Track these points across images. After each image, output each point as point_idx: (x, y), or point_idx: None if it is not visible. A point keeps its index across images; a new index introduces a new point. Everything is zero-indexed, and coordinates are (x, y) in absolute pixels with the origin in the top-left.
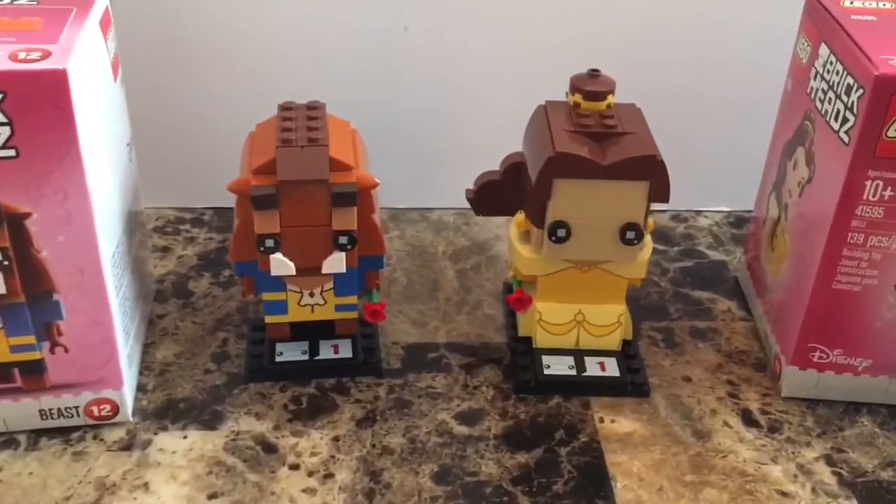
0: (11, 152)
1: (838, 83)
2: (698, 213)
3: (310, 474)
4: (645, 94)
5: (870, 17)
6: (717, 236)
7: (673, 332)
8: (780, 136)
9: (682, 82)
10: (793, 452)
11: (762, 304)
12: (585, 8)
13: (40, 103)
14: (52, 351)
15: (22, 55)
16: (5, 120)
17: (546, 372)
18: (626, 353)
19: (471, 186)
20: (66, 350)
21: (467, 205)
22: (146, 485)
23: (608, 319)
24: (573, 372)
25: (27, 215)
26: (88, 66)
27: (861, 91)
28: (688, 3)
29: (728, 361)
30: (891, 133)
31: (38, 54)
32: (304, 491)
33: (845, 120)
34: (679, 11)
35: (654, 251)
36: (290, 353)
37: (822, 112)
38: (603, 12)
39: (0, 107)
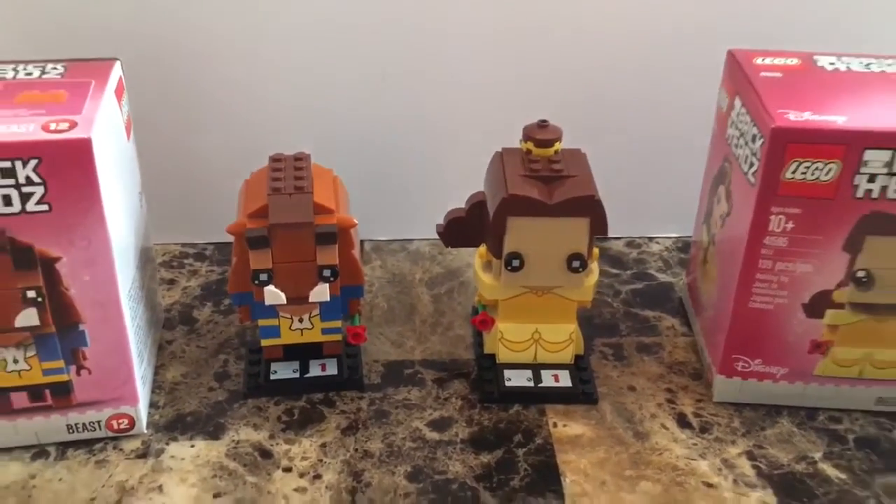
0: (45, 207)
1: (747, 132)
2: (650, 239)
3: (301, 476)
4: (605, 133)
5: (777, 74)
6: (667, 260)
7: (622, 347)
8: (709, 173)
9: (638, 124)
10: (719, 449)
11: (700, 321)
12: (545, 60)
13: (69, 167)
14: (77, 373)
15: (52, 126)
16: (40, 181)
17: (507, 384)
18: (578, 366)
19: (441, 222)
20: (89, 372)
21: None
22: (160, 487)
23: (561, 337)
24: (531, 384)
25: (57, 259)
26: (107, 131)
27: (762, 140)
28: (642, 56)
29: (669, 372)
30: (788, 175)
31: (66, 125)
32: (295, 490)
33: (752, 164)
34: (635, 62)
35: (609, 275)
36: (283, 371)
37: (737, 156)
38: (562, 63)
39: (36, 170)
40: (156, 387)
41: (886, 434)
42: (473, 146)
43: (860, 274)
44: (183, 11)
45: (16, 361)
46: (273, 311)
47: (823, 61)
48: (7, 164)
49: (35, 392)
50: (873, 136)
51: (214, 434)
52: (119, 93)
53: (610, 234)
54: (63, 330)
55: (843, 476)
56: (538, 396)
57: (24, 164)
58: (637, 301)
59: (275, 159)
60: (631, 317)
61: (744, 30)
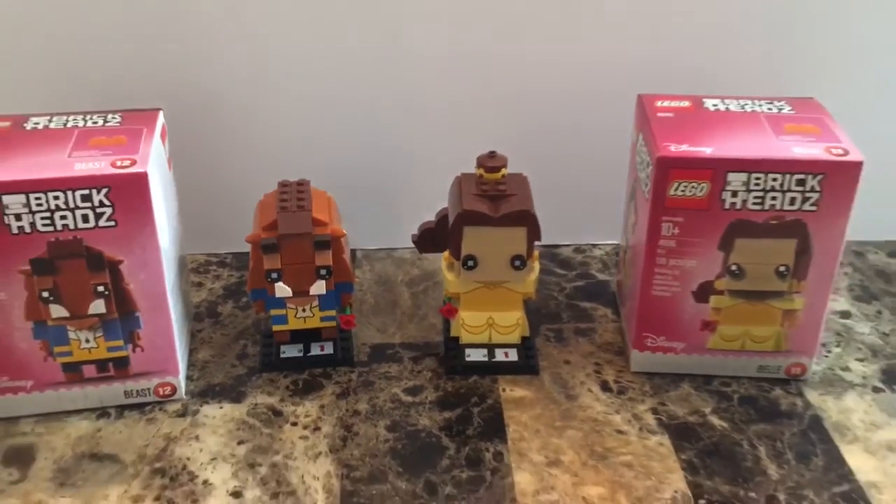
0: (112, 223)
1: (645, 160)
2: (594, 245)
3: (304, 428)
4: (557, 160)
5: (670, 115)
6: (606, 263)
7: (562, 331)
8: (627, 191)
9: (584, 153)
10: (631, 407)
11: (624, 310)
12: (498, 102)
13: (130, 193)
14: (133, 350)
15: (118, 163)
16: (109, 204)
17: (467, 359)
18: (525, 345)
19: (415, 233)
20: (142, 350)
21: None
22: (197, 437)
23: (510, 322)
24: (486, 359)
25: (120, 262)
26: (156, 166)
27: (651, 166)
28: (584, 101)
29: (598, 350)
30: (672, 193)
31: (128, 162)
32: (300, 438)
33: (647, 184)
34: (580, 106)
35: (557, 275)
36: (290, 351)
37: (640, 178)
38: (516, 105)
39: (107, 196)
40: (190, 364)
41: (765, 395)
42: (441, 172)
43: (733, 267)
44: (205, 72)
45: (87, 341)
46: (282, 302)
47: (709, 103)
48: (86, 192)
49: (101, 365)
50: (732, 162)
51: (237, 399)
52: (163, 135)
53: (560, 242)
54: (123, 316)
55: (725, 425)
56: (492, 368)
57: (98, 191)
58: (578, 295)
59: (282, 184)
60: (572, 308)
61: (661, 78)
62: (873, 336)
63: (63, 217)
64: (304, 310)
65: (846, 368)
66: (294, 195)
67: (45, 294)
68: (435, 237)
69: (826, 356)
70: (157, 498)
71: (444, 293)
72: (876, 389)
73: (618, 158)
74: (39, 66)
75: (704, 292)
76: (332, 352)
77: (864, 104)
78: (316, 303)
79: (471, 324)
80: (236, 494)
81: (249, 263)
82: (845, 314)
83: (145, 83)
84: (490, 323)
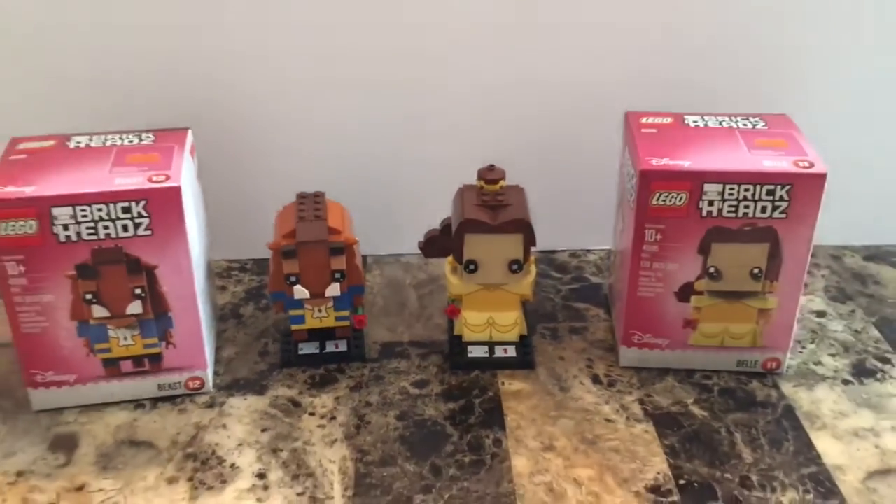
0: (149, 232)
1: (630, 172)
2: (588, 251)
3: (321, 417)
4: (554, 172)
5: (653, 130)
6: (599, 267)
7: (557, 330)
8: (616, 199)
9: (582, 166)
10: (619, 398)
11: (614, 310)
12: (500, 118)
13: (165, 205)
14: (166, 347)
15: (154, 178)
16: (146, 214)
17: (469, 356)
18: (522, 343)
19: (421, 240)
20: (174, 347)
21: None
22: (224, 425)
23: (509, 321)
24: (487, 355)
25: (156, 267)
26: (187, 181)
27: (636, 178)
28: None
29: (590, 347)
30: (654, 202)
31: (162, 177)
32: (318, 426)
33: (632, 194)
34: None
35: (552, 278)
36: (308, 348)
37: (626, 188)
38: (518, 121)
39: (144, 208)
40: (217, 360)
41: (743, 387)
42: (444, 184)
43: (711, 270)
44: (228, 95)
45: (125, 338)
46: (300, 304)
47: (690, 119)
48: (126, 204)
49: (137, 360)
50: (708, 174)
51: (260, 392)
52: (192, 152)
53: (556, 248)
54: (158, 316)
55: (705, 414)
56: (492, 364)
57: (137, 204)
58: (573, 297)
59: (300, 196)
60: (567, 308)
61: (647, 96)
62: (846, 333)
63: (105, 227)
64: (319, 310)
65: (819, 363)
66: (311, 206)
67: (89, 296)
68: (439, 243)
69: (801, 352)
70: (190, 479)
71: (448, 295)
72: (846, 382)
73: (608, 170)
74: (79, 91)
75: (686, 293)
76: (345, 349)
77: (838, 119)
78: (331, 304)
79: (473, 323)
80: (261, 476)
81: (270, 268)
82: (821, 313)
83: (174, 105)
84: (490, 322)
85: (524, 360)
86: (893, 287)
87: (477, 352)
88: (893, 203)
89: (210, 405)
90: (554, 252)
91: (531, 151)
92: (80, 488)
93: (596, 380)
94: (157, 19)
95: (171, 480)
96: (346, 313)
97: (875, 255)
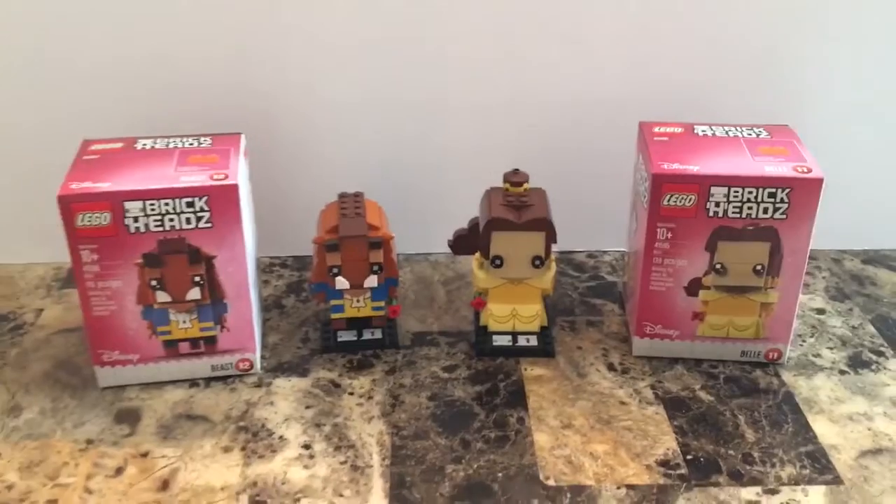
0: (209, 225)
1: (644, 176)
2: (604, 252)
3: (360, 397)
4: (575, 176)
5: (665, 139)
6: (614, 266)
7: (575, 323)
8: (630, 202)
9: (600, 171)
10: (632, 383)
11: (628, 305)
12: (524, 126)
13: (224, 201)
14: (221, 331)
15: (214, 176)
16: (207, 209)
17: (494, 344)
18: (543, 333)
19: (450, 238)
20: (228, 331)
21: None
22: (272, 402)
23: (531, 313)
24: (510, 343)
25: (214, 257)
26: (242, 180)
27: (649, 181)
28: (598, 124)
29: (605, 338)
30: (665, 203)
31: (222, 176)
32: (356, 405)
33: (645, 196)
34: (593, 131)
35: (571, 276)
36: (346, 336)
37: (640, 191)
38: (539, 129)
39: (206, 203)
40: (263, 346)
41: (746, 375)
42: (472, 187)
43: (717, 266)
44: (277, 104)
45: (184, 322)
46: (340, 294)
47: (699, 129)
48: (190, 200)
49: (194, 342)
50: (714, 178)
51: (303, 374)
52: (245, 155)
53: (575, 249)
54: (214, 302)
55: (711, 398)
56: (515, 352)
57: (199, 199)
58: (590, 293)
59: (342, 196)
60: (584, 303)
61: (660, 108)
62: (844, 329)
63: (171, 219)
64: (358, 300)
65: (818, 355)
66: (352, 204)
67: (154, 283)
68: (468, 241)
69: (801, 345)
70: (243, 448)
71: (475, 288)
72: (842, 372)
73: (623, 177)
74: (143, 98)
75: (694, 287)
76: (381, 336)
77: (839, 131)
78: (368, 294)
79: (497, 314)
80: (306, 447)
81: (314, 260)
82: (821, 311)
83: (229, 111)
84: (514, 314)
85: (545, 348)
86: (889, 288)
87: (501, 340)
88: (890, 211)
89: (258, 385)
90: (572, 252)
91: (553, 159)
92: (144, 455)
93: (611, 367)
94: (216, 40)
95: (226, 449)
96: (381, 303)
97: (873, 258)
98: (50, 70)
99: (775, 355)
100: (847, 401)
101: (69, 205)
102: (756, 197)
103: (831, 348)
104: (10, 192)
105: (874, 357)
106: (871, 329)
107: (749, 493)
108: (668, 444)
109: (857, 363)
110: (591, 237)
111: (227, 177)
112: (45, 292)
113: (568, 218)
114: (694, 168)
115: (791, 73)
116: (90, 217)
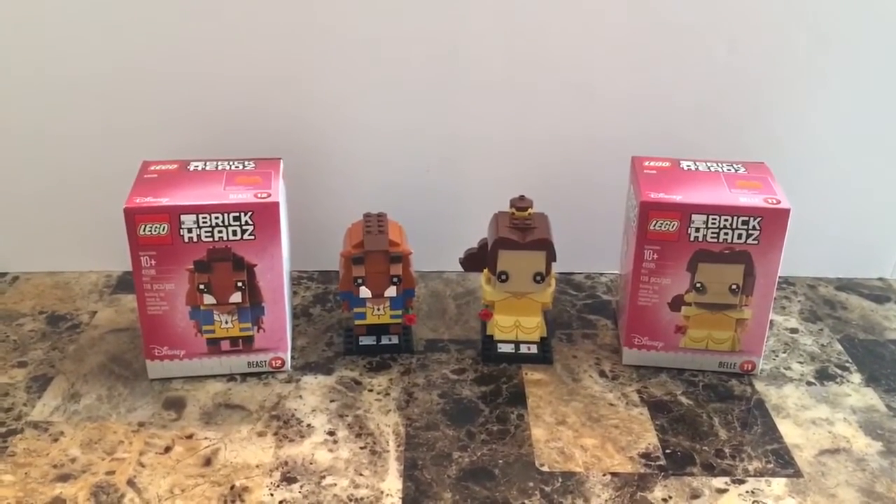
0: (252, 237)
1: (634, 203)
2: (601, 274)
3: (378, 393)
4: (578, 203)
5: (653, 171)
6: (609, 287)
7: (572, 335)
8: (623, 228)
9: (599, 200)
10: (621, 388)
11: (619, 321)
12: (527, 157)
13: (266, 217)
14: (257, 331)
15: (258, 195)
16: (251, 223)
17: (499, 351)
18: (543, 343)
19: (461, 256)
20: (264, 331)
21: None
22: (300, 396)
23: (532, 324)
24: (513, 351)
25: (255, 265)
26: (282, 199)
27: (637, 208)
28: (595, 159)
29: (599, 349)
30: (651, 228)
31: (265, 194)
32: (375, 400)
33: (634, 221)
34: (590, 164)
35: (569, 294)
36: (367, 341)
37: (630, 217)
38: (541, 158)
39: (250, 218)
40: (292, 348)
41: (723, 383)
42: (481, 210)
43: (697, 285)
44: (308, 134)
45: (226, 322)
46: (363, 302)
47: (684, 164)
48: (237, 214)
49: (234, 341)
50: (695, 207)
51: (328, 373)
52: (284, 177)
53: (574, 270)
54: (253, 305)
55: (690, 402)
56: (517, 358)
57: (245, 214)
58: (586, 310)
59: (366, 215)
60: (581, 319)
61: (650, 145)
62: (814, 346)
63: (220, 231)
64: (378, 308)
65: (788, 368)
66: (375, 223)
67: (202, 286)
68: (477, 259)
69: (774, 359)
70: (276, 434)
71: (482, 301)
72: (809, 383)
73: (618, 206)
74: (192, 126)
75: (677, 303)
76: (397, 342)
77: (817, 169)
78: (388, 303)
79: (502, 325)
80: (331, 434)
81: (341, 272)
82: (794, 330)
83: (267, 140)
84: (517, 325)
85: (544, 356)
86: (858, 312)
87: (505, 348)
88: (861, 243)
89: (288, 381)
90: (572, 274)
91: (555, 190)
92: (189, 436)
93: (602, 374)
94: (257, 72)
95: (261, 434)
96: (398, 312)
97: (846, 286)
98: (107, 97)
99: (749, 367)
100: (812, 408)
101: (133, 216)
102: (731, 224)
103: (801, 362)
104: (67, 208)
105: (839, 371)
106: (839, 347)
107: (719, 482)
108: (649, 439)
109: (823, 376)
110: (589, 260)
111: (269, 195)
112: (98, 297)
113: (569, 242)
114: (677, 197)
115: (767, 116)
116: (151, 227)
